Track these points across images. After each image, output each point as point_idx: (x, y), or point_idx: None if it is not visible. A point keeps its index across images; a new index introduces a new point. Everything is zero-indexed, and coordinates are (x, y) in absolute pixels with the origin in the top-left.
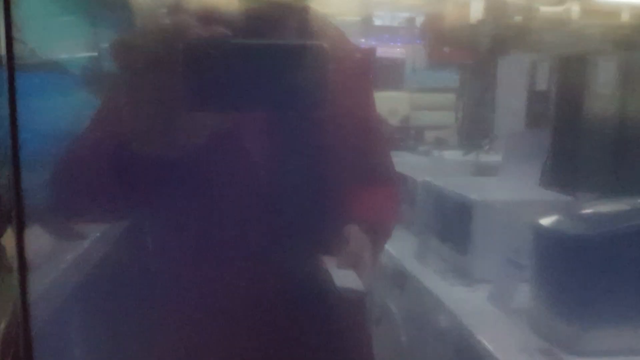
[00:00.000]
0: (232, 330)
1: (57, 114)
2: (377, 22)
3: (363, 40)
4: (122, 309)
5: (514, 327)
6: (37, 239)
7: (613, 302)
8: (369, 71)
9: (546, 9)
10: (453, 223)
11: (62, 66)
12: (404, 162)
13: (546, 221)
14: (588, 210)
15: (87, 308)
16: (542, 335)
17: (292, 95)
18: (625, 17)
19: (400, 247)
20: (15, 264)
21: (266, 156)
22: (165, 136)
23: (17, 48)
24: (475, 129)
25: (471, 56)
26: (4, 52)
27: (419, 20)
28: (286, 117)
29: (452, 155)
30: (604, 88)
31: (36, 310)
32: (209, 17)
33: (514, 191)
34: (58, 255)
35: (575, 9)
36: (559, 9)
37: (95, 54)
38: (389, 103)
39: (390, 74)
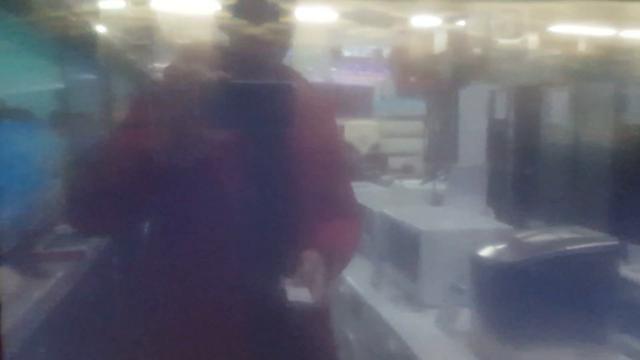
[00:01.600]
0: (205, 337)
1: (26, 159)
2: (347, 53)
3: (334, 69)
4: (88, 338)
5: (456, 348)
6: (7, 278)
7: (542, 322)
8: (333, 108)
9: (504, 41)
10: (404, 252)
11: (29, 113)
12: (366, 192)
13: (482, 249)
14: (520, 239)
15: (55, 338)
16: (481, 355)
17: (267, 121)
18: (580, 49)
19: (357, 275)
20: None
21: (239, 181)
22: (178, 147)
23: None
24: (440, 156)
25: (435, 85)
26: None
27: (386, 52)
28: (260, 144)
29: (412, 184)
30: (556, 118)
31: (8, 341)
32: (215, 65)
33: (459, 220)
34: (26, 293)
35: (532, 40)
36: (516, 41)
37: (62, 94)
38: (359, 130)
39: (359, 102)
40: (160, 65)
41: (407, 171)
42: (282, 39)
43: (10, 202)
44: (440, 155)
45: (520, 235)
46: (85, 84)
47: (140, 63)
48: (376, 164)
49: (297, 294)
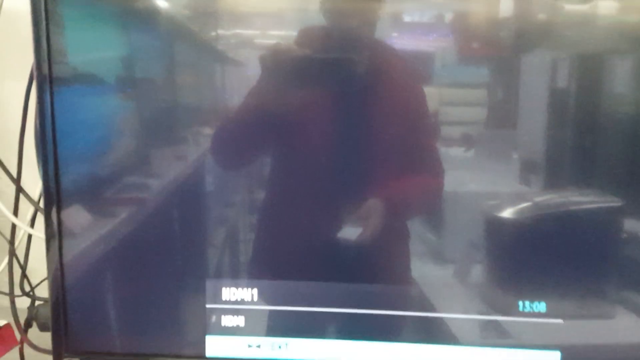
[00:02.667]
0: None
1: (96, 120)
2: (407, 18)
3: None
4: (142, 271)
5: (468, 297)
6: (80, 216)
7: (545, 275)
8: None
9: (572, 7)
10: (430, 212)
11: (99, 78)
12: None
13: (497, 209)
14: (535, 200)
15: (115, 270)
16: (489, 304)
17: (361, 89)
18: None
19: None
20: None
21: (331, 137)
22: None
23: (59, 67)
24: (500, 125)
25: (498, 52)
26: (46, 70)
27: (448, 17)
28: (353, 110)
29: (456, 151)
30: (618, 87)
31: (69, 268)
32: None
33: (483, 183)
34: (94, 229)
35: (602, 6)
36: (585, 6)
37: (128, 60)
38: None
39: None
40: (224, 32)
41: (465, 140)
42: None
43: (85, 156)
44: (500, 123)
45: (537, 197)
46: (151, 51)
47: (203, 31)
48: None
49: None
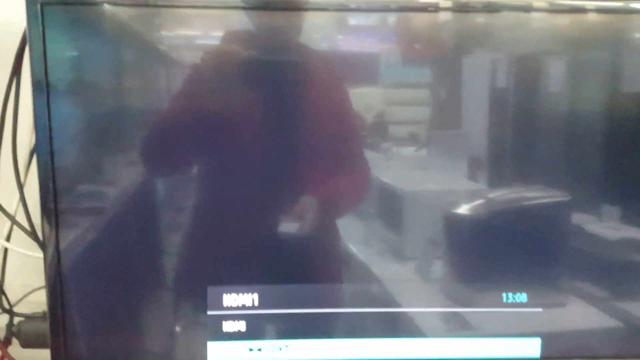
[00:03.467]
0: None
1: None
2: (352, 21)
3: (340, 37)
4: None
5: (429, 293)
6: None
7: (500, 268)
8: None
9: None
10: (391, 211)
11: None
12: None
13: (454, 206)
14: (489, 197)
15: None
16: (449, 298)
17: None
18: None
19: (351, 234)
20: None
21: (262, 144)
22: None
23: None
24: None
25: (440, 53)
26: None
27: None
28: (281, 111)
29: (408, 151)
30: (554, 87)
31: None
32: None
33: (439, 182)
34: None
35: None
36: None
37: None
38: (364, 99)
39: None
40: (167, 34)
41: (411, 139)
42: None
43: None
44: (443, 123)
45: (491, 194)
46: (96, 54)
47: (148, 33)
48: (378, 132)
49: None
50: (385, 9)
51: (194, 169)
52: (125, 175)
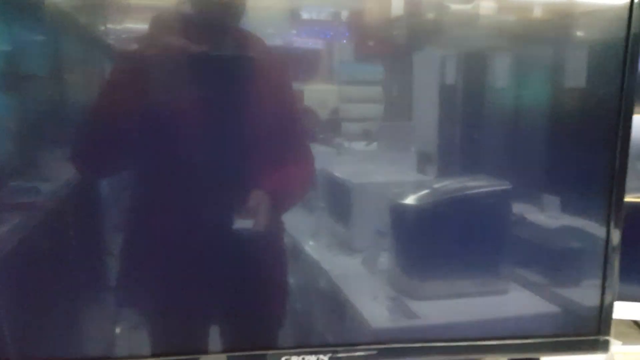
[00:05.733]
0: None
1: None
2: (305, 15)
3: (294, 32)
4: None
5: (376, 284)
6: None
7: (441, 257)
8: (287, 71)
9: (457, 7)
10: (339, 203)
11: None
12: (315, 152)
13: (400, 197)
14: (434, 187)
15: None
16: (396, 289)
17: (228, 86)
18: (528, 14)
19: (300, 228)
20: None
21: (204, 139)
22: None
23: None
24: (396, 120)
25: (392, 50)
26: None
27: (345, 15)
28: (222, 105)
29: (358, 145)
30: (499, 82)
31: None
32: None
33: (387, 174)
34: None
35: (483, 6)
36: (468, 6)
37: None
38: (318, 95)
39: (318, 66)
40: (112, 27)
41: (365, 135)
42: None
43: None
44: (395, 119)
45: (436, 184)
46: (34, 46)
47: (91, 25)
48: (331, 128)
49: (243, 224)
50: None
51: (130, 168)
52: (56, 172)
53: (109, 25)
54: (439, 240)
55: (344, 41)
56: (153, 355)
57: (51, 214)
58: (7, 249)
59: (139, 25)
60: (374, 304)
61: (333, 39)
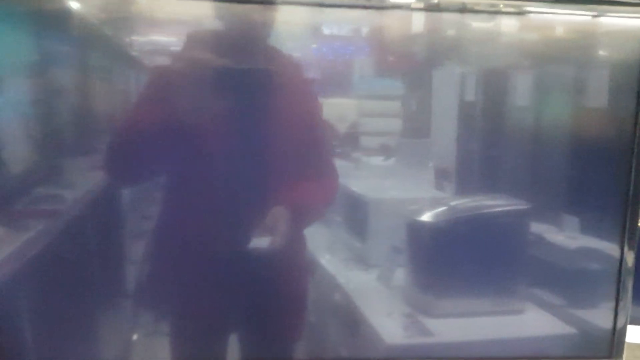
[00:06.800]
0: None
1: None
2: (326, 31)
3: (314, 47)
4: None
5: (392, 300)
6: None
7: (457, 275)
8: (312, 86)
9: (478, 24)
10: (356, 218)
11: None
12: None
13: (417, 214)
14: (451, 205)
15: (29, 284)
16: (409, 304)
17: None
18: (551, 33)
19: (316, 242)
20: None
21: (230, 151)
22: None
23: None
24: (414, 135)
25: (412, 66)
26: None
27: (365, 31)
28: (248, 119)
29: (376, 160)
30: (520, 101)
31: None
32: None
33: (404, 190)
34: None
35: (505, 24)
36: (490, 24)
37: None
38: (337, 109)
39: (339, 81)
40: (137, 39)
41: (383, 150)
42: (268, 20)
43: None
44: (414, 135)
45: (453, 202)
46: (64, 57)
47: (117, 37)
48: (350, 142)
49: (261, 242)
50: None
51: (158, 177)
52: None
53: (143, 39)
54: (455, 258)
55: (365, 57)
56: None
57: (74, 221)
58: (31, 254)
59: (172, 39)
60: (388, 320)
61: (354, 55)
